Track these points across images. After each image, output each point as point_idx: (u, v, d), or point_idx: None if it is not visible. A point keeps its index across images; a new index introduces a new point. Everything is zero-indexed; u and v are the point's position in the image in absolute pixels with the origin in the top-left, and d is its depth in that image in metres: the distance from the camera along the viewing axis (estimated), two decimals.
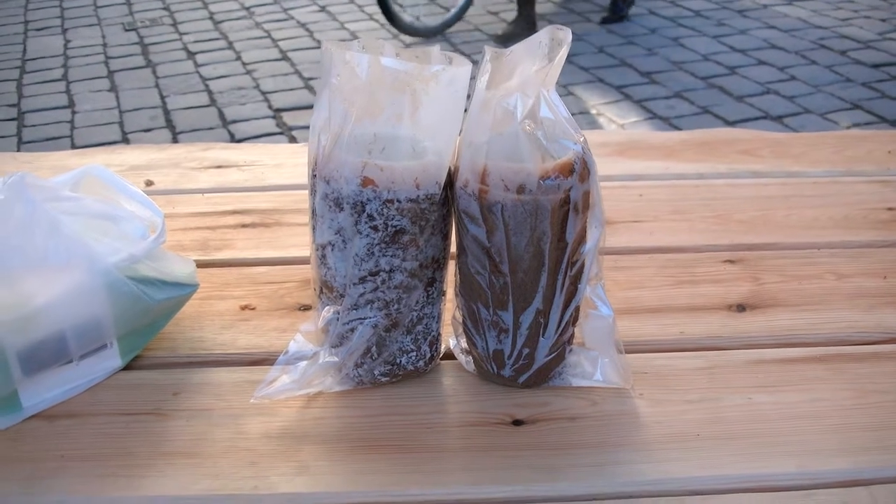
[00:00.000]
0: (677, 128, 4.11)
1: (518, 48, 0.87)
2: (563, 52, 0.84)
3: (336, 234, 0.87)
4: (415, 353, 0.94)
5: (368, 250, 0.86)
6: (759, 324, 1.06)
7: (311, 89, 4.72)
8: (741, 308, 1.08)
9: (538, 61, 0.85)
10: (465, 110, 0.85)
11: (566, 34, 0.86)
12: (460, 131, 0.86)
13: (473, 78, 0.84)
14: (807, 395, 0.95)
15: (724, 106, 4.39)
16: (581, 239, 0.88)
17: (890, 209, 1.31)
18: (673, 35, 5.44)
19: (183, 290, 1.02)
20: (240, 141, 4.09)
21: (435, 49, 0.87)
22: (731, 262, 1.18)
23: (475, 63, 0.81)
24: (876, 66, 4.88)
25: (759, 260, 1.18)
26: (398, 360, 0.94)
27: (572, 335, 0.94)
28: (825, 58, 5.02)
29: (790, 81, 4.70)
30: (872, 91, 4.54)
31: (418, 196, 0.85)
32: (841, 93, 4.51)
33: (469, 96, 0.85)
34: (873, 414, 0.92)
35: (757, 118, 4.23)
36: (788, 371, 0.98)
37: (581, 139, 0.86)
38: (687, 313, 1.07)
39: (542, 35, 0.86)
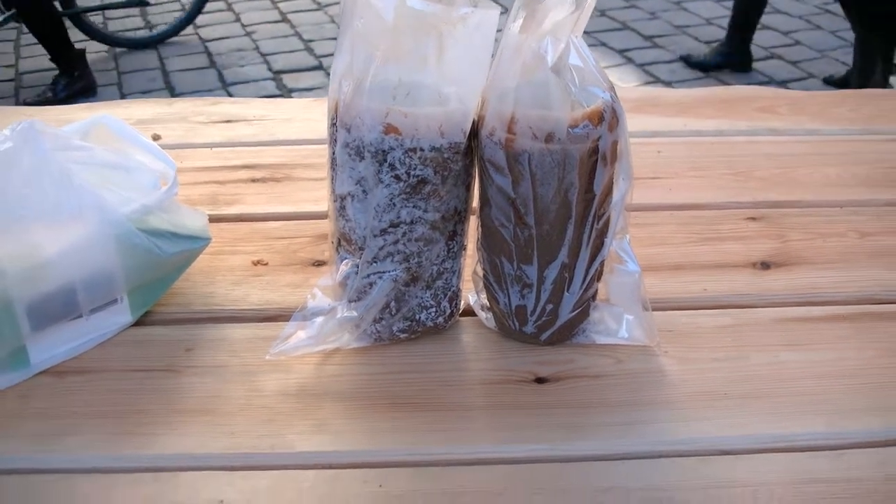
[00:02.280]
0: None
1: None
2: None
3: (356, 184, 0.84)
4: (434, 309, 0.92)
5: (390, 201, 0.84)
6: (784, 281, 1.03)
7: (311, 51, 4.69)
8: (765, 265, 1.06)
9: (566, 7, 0.82)
10: (492, 56, 0.82)
11: None
12: (487, 78, 0.84)
13: (500, 24, 0.81)
14: (834, 353, 0.92)
15: (726, 71, 4.36)
16: (608, 191, 0.86)
17: None
18: None
19: (195, 244, 1.00)
20: None
21: None
22: (753, 219, 1.15)
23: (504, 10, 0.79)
24: None
25: (781, 217, 1.16)
26: (417, 316, 0.91)
27: (597, 291, 0.92)
28: (830, 23, 4.99)
29: (794, 46, 4.67)
30: None
31: (442, 145, 0.82)
32: (845, 58, 4.48)
33: (497, 42, 0.82)
34: None
35: (761, 83, 4.20)
36: (814, 329, 0.96)
37: (610, 87, 0.84)
38: (711, 270, 1.05)
39: None
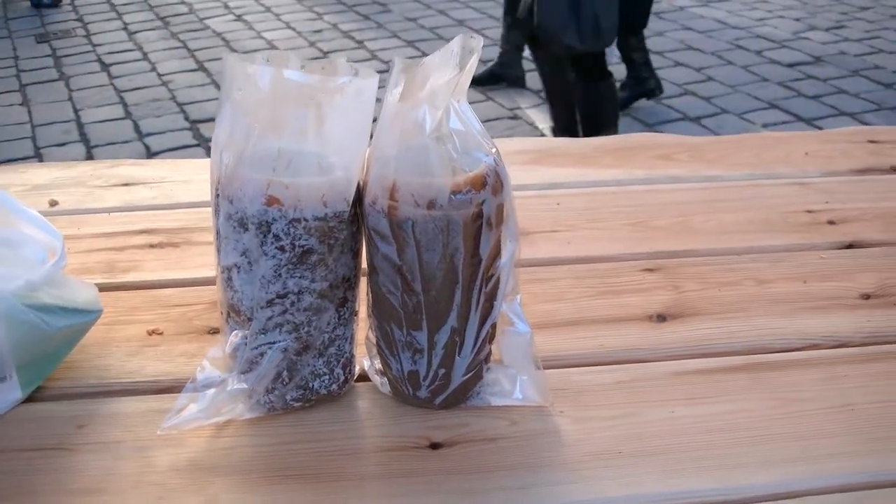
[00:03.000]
0: None
1: (431, 58, 0.85)
2: (473, 60, 0.82)
3: (241, 255, 0.83)
4: (328, 377, 0.91)
5: (275, 272, 0.83)
6: (680, 334, 1.04)
7: None
8: (661, 318, 1.06)
9: (450, 71, 0.82)
10: (374, 123, 0.82)
11: (478, 42, 0.83)
12: (369, 145, 0.83)
13: (382, 89, 0.81)
14: (729, 405, 0.93)
15: (642, 109, 4.42)
16: (496, 253, 0.86)
17: (809, 211, 1.30)
18: None
19: (85, 317, 0.98)
20: (156, 154, 4.03)
21: (341, 61, 0.84)
22: (650, 270, 1.16)
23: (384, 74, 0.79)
24: (791, 65, 4.95)
25: (678, 268, 1.17)
26: (310, 385, 0.90)
27: (489, 353, 0.92)
28: (741, 58, 5.09)
29: (707, 82, 4.75)
30: (788, 90, 4.60)
31: (326, 214, 0.82)
32: (757, 92, 4.56)
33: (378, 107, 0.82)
34: (797, 424, 0.91)
35: (676, 120, 4.27)
36: (710, 382, 0.96)
37: (493, 150, 0.84)
38: (606, 325, 1.05)
39: (454, 43, 0.84)
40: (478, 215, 0.82)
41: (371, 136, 0.83)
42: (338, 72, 0.83)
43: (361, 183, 0.84)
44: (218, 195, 0.84)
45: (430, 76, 0.84)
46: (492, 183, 0.82)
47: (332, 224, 0.83)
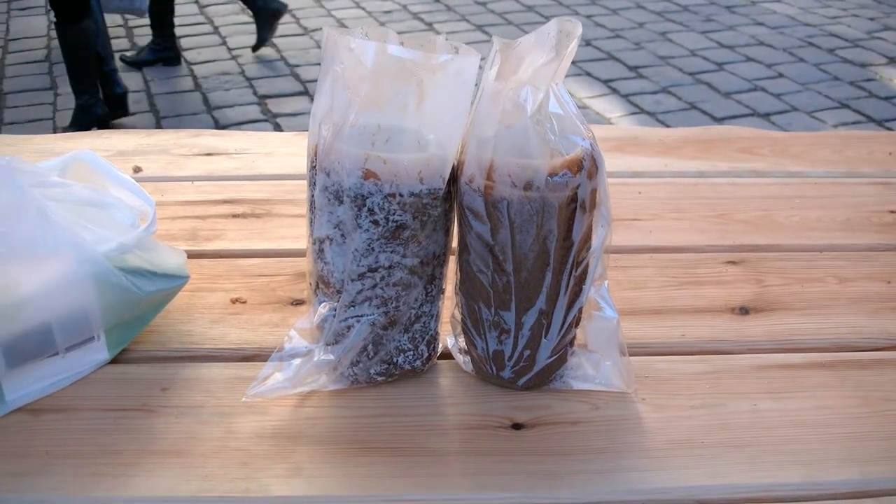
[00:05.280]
0: (664, 123, 4.10)
1: (526, 39, 0.85)
2: (573, 45, 0.82)
3: (335, 227, 0.84)
4: (412, 353, 0.91)
5: (368, 245, 0.84)
6: (763, 327, 1.03)
7: (296, 77, 4.69)
8: (744, 311, 1.06)
9: (546, 53, 0.82)
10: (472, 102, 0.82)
11: (575, 26, 0.83)
12: (466, 124, 0.84)
13: (480, 69, 0.81)
14: (812, 402, 0.92)
15: (711, 102, 4.38)
16: (587, 238, 0.86)
17: (892, 212, 1.29)
18: (660, 29, 5.43)
19: (173, 283, 0.99)
20: (224, 128, 4.06)
21: (440, 38, 0.84)
22: (733, 262, 1.16)
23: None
24: (864, 65, 4.89)
25: (761, 262, 1.16)
26: (395, 360, 0.91)
27: (574, 337, 0.92)
28: (813, 56, 5.02)
29: (778, 79, 4.70)
30: (860, 90, 4.54)
31: (421, 191, 0.82)
32: (828, 91, 4.51)
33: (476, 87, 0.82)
34: (879, 423, 0.90)
35: (744, 115, 4.22)
36: (793, 377, 0.96)
37: (590, 135, 0.84)
38: (689, 315, 1.05)
39: (550, 26, 0.84)
40: (572, 199, 0.82)
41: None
42: (437, 49, 0.83)
43: (457, 161, 0.85)
44: (314, 167, 0.84)
45: (525, 57, 0.84)
46: (587, 167, 0.82)
47: (426, 201, 0.83)
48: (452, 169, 0.84)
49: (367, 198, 0.82)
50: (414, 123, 0.83)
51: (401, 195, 0.82)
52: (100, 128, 3.99)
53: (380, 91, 0.81)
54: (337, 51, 0.81)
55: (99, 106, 4.03)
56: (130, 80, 4.63)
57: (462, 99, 0.81)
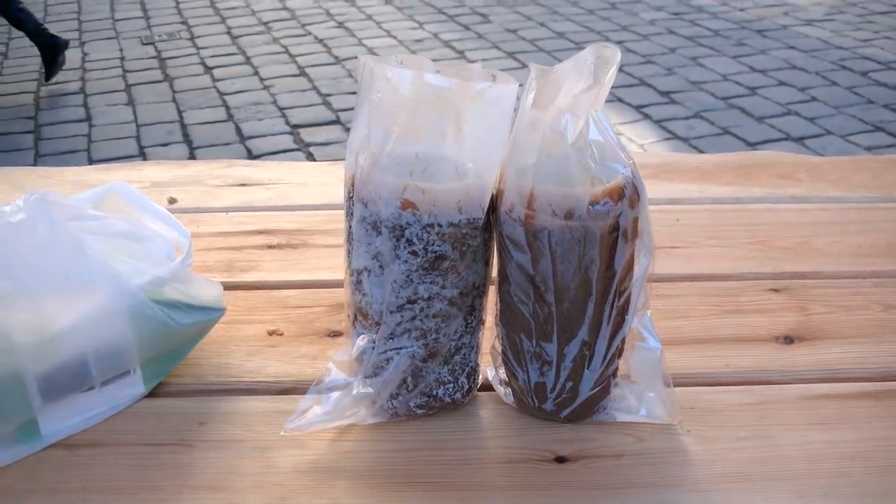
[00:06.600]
0: (698, 148, 4.08)
1: (563, 66, 0.83)
2: (612, 72, 0.81)
3: (373, 259, 0.83)
4: (452, 385, 0.90)
5: (407, 277, 0.82)
6: (808, 357, 1.01)
7: (328, 105, 4.70)
8: (789, 340, 1.04)
9: (583, 80, 0.81)
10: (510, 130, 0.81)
11: (614, 52, 0.82)
12: (505, 152, 0.82)
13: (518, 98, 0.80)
14: (861, 433, 0.90)
15: (744, 127, 4.36)
16: (629, 267, 0.84)
17: None
18: (692, 54, 5.41)
19: (209, 315, 0.98)
20: (257, 157, 4.07)
21: (477, 66, 0.83)
22: (775, 290, 1.14)
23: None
24: None
25: (803, 289, 1.14)
26: (435, 392, 0.90)
27: (617, 368, 0.90)
28: (846, 79, 4.99)
29: (811, 102, 4.67)
30: (894, 113, 4.50)
31: (460, 220, 0.81)
32: (862, 114, 4.48)
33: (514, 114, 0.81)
34: None
35: (778, 139, 4.20)
36: (841, 408, 0.94)
37: (630, 162, 0.83)
38: (733, 345, 1.03)
39: (588, 53, 0.83)
40: (614, 227, 0.81)
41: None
42: (473, 76, 0.82)
43: (496, 190, 0.83)
44: (351, 198, 0.83)
45: (562, 84, 0.82)
46: (629, 195, 0.81)
47: (465, 230, 0.82)
48: (492, 198, 0.83)
49: (406, 228, 0.80)
50: (452, 152, 0.82)
51: (440, 225, 0.81)
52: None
53: (417, 120, 0.80)
54: (373, 80, 0.80)
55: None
56: (165, 110, 4.65)
57: (500, 127, 0.80)
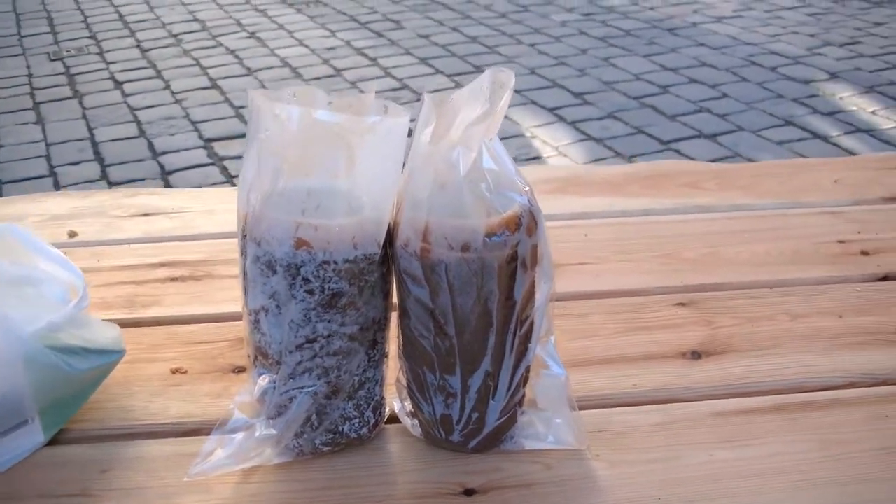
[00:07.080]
0: (612, 149, 4.09)
1: (461, 93, 0.83)
2: (506, 98, 0.80)
3: (270, 298, 0.81)
4: (357, 420, 0.89)
5: (305, 315, 0.81)
6: (716, 371, 1.01)
7: (241, 118, 4.65)
8: (696, 355, 1.04)
9: (479, 106, 0.80)
10: (404, 162, 0.80)
11: (508, 77, 0.81)
12: (399, 185, 0.81)
13: (411, 125, 0.79)
14: (769, 448, 0.90)
15: (657, 125, 4.39)
16: (530, 295, 0.84)
17: (840, 242, 1.28)
18: (604, 55, 5.44)
19: (108, 358, 0.96)
20: (171, 173, 4.01)
21: (370, 97, 0.82)
22: (682, 304, 1.14)
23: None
24: (806, 81, 4.92)
25: (710, 302, 1.14)
26: (340, 429, 0.88)
27: (523, 396, 0.89)
28: (756, 74, 5.05)
29: (722, 99, 4.71)
30: (804, 106, 4.56)
31: (356, 256, 0.80)
32: (773, 109, 4.53)
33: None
34: (836, 467, 0.88)
35: (691, 137, 4.23)
36: (748, 423, 0.94)
37: (527, 189, 0.82)
38: (640, 363, 1.03)
39: (484, 78, 0.82)
40: (512, 257, 0.80)
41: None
42: (367, 108, 0.81)
43: (392, 224, 0.82)
44: (245, 236, 0.82)
45: (459, 112, 0.82)
46: (526, 223, 0.80)
47: (362, 266, 0.81)
48: (388, 231, 0.82)
49: (301, 267, 0.79)
50: (345, 187, 0.80)
51: (335, 262, 0.79)
52: None
53: (308, 156, 0.79)
54: (261, 118, 0.79)
55: None
56: (75, 128, 4.58)
57: (394, 159, 0.79)
